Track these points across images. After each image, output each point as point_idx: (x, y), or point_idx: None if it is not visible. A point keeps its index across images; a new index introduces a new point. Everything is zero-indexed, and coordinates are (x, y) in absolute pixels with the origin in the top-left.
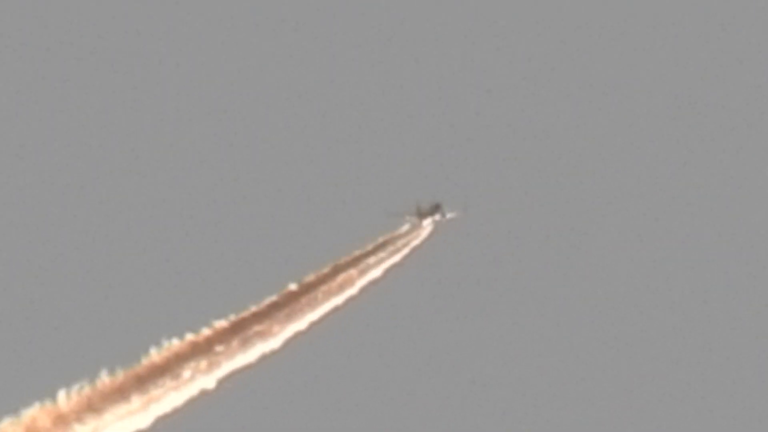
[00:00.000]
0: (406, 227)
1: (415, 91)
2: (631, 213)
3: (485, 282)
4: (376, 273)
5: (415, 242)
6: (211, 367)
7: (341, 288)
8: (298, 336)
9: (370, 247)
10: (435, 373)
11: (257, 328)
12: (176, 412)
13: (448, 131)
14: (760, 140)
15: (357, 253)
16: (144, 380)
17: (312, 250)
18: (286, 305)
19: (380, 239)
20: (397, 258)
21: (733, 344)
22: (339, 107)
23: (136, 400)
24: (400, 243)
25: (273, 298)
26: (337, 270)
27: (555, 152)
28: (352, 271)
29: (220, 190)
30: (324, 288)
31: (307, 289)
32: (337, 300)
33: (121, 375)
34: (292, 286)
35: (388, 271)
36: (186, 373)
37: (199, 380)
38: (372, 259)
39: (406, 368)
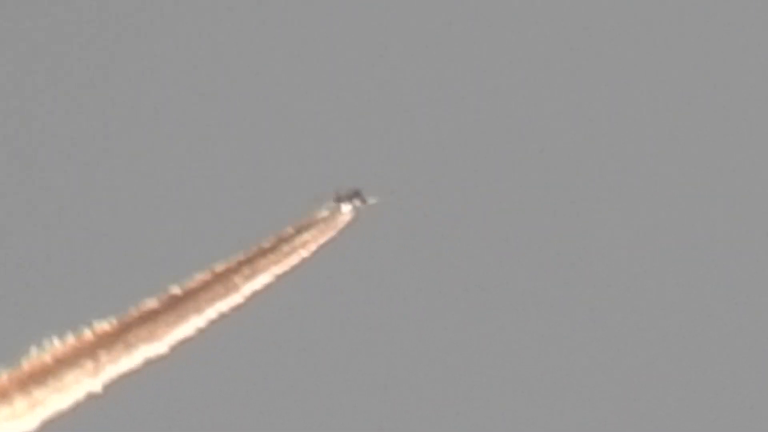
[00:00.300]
0: (324, 213)
1: (336, 75)
2: (559, 191)
3: (406, 270)
4: (292, 260)
5: (334, 228)
6: (98, 368)
7: (253, 276)
8: (186, 341)
9: (286, 233)
10: (347, 365)
11: (144, 328)
12: (62, 415)
13: (366, 115)
14: (759, 140)
15: (272, 240)
16: (27, 383)
17: (226, 236)
18: (186, 300)
19: (297, 225)
20: (314, 245)
21: (729, 343)
22: (247, 87)
23: (19, 403)
24: (318, 229)
25: (169, 294)
26: (247, 260)
27: (478, 136)
28: (265, 260)
29: (121, 175)
30: (234, 277)
31: (216, 279)
32: (252, 286)
33: (2, 377)
34: (194, 280)
35: (305, 258)
36: (71, 376)
37: (85, 383)
38: (288, 246)
39: (317, 363)
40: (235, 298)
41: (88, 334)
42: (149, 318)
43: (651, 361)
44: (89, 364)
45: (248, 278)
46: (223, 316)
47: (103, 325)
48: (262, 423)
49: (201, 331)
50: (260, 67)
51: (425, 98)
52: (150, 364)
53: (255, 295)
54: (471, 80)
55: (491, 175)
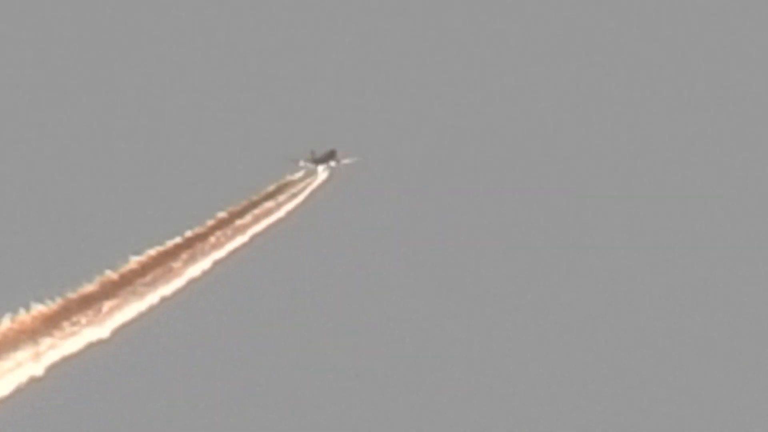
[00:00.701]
0: (301, 173)
1: (311, 39)
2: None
3: (381, 229)
4: (269, 219)
5: (310, 188)
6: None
7: (233, 235)
8: (193, 285)
9: (263, 193)
10: (328, 325)
11: (141, 280)
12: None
13: (341, 77)
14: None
15: (249, 199)
16: None
17: (205, 196)
18: (176, 256)
19: (275, 185)
20: (292, 204)
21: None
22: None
23: None
24: (294, 189)
25: (160, 248)
26: (230, 217)
27: (451, 98)
28: (244, 219)
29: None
30: (217, 234)
31: (198, 238)
32: (231, 245)
33: None
34: (178, 239)
35: (282, 218)
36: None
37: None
38: (266, 206)
39: (299, 317)
40: (213, 257)
41: (28, 318)
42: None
43: (646, 361)
44: (30, 348)
45: (225, 239)
46: (203, 275)
47: (55, 304)
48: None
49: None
50: (234, 33)
51: (400, 60)
52: (158, 307)
53: (232, 254)
54: (444, 44)
55: (464, 136)
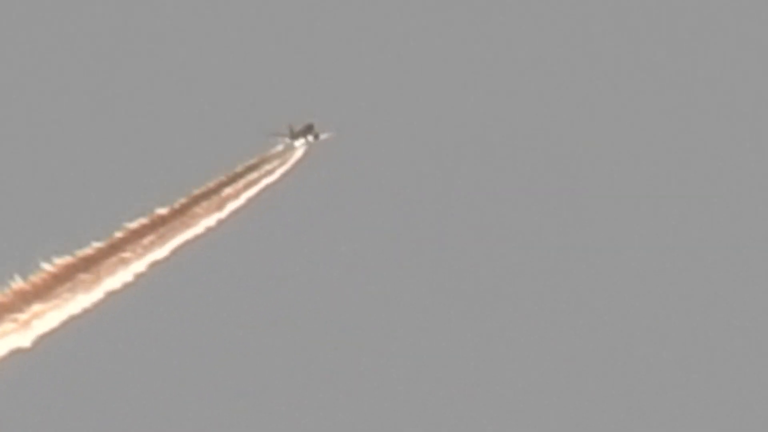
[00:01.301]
0: (278, 148)
1: (291, 14)
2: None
3: (358, 205)
4: (246, 195)
5: (288, 163)
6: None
7: (210, 210)
8: (162, 261)
9: (239, 168)
10: (306, 298)
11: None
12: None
13: (319, 51)
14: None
15: (225, 175)
16: None
17: (181, 172)
18: (152, 230)
19: (251, 160)
20: (269, 180)
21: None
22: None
23: None
24: (271, 164)
25: (136, 223)
26: (204, 194)
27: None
28: (221, 195)
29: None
30: (194, 210)
31: (175, 212)
32: (208, 221)
33: None
34: (160, 210)
35: (259, 194)
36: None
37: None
38: (242, 182)
39: (275, 294)
40: (190, 232)
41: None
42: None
43: (640, 361)
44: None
45: (203, 214)
46: (179, 249)
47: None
48: (242, 341)
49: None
50: (216, 6)
51: (379, 36)
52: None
53: (210, 231)
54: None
55: (444, 112)
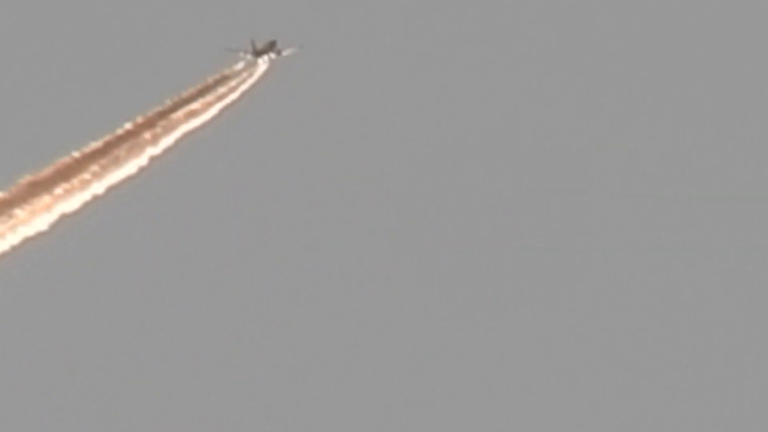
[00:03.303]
0: (240, 65)
1: None
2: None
3: (320, 122)
4: (209, 113)
5: (251, 80)
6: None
7: (172, 128)
8: (131, 179)
9: (202, 85)
10: (269, 214)
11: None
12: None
13: None
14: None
15: (188, 92)
16: None
17: (142, 89)
18: (116, 147)
19: (213, 77)
20: (232, 97)
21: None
22: None
23: None
24: (234, 81)
25: (100, 142)
26: (167, 110)
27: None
28: (183, 111)
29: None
30: (158, 126)
31: (141, 127)
32: (169, 140)
33: None
34: (126, 126)
35: (222, 111)
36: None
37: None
38: (205, 98)
39: (240, 208)
40: (150, 152)
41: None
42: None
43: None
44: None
45: (164, 132)
46: (138, 172)
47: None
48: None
49: (111, 190)
50: None
51: None
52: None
53: (172, 149)
54: None
55: (409, 31)
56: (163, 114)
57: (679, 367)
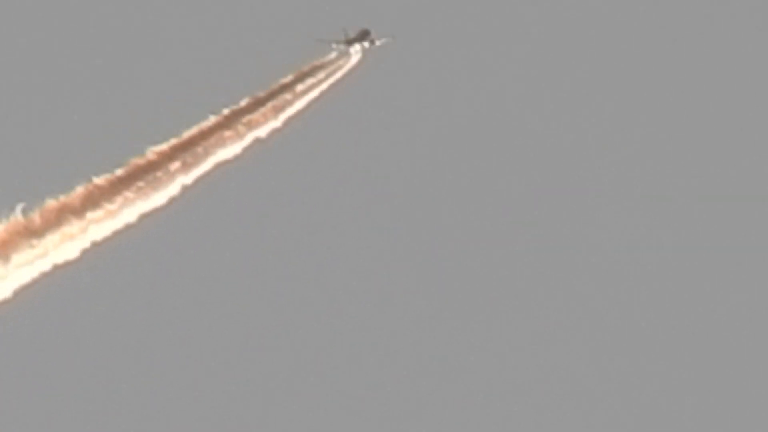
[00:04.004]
0: (333, 55)
1: None
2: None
3: (413, 111)
4: (302, 102)
5: (343, 70)
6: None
7: (265, 118)
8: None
9: (295, 75)
10: (358, 199)
11: (180, 159)
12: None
13: None
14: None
15: (282, 81)
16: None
17: (236, 79)
18: (209, 137)
19: (307, 67)
20: (324, 86)
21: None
22: None
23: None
24: (327, 71)
25: (196, 129)
26: (262, 99)
27: None
28: (277, 101)
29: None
30: (249, 117)
31: (230, 119)
32: (261, 131)
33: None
34: (214, 118)
35: (314, 100)
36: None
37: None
38: (298, 88)
39: (329, 198)
40: (245, 141)
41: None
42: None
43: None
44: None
45: (257, 122)
46: (234, 158)
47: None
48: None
49: (202, 179)
50: None
51: None
52: (178, 198)
53: (269, 137)
54: None
55: (500, 21)
56: (259, 104)
57: (680, 367)
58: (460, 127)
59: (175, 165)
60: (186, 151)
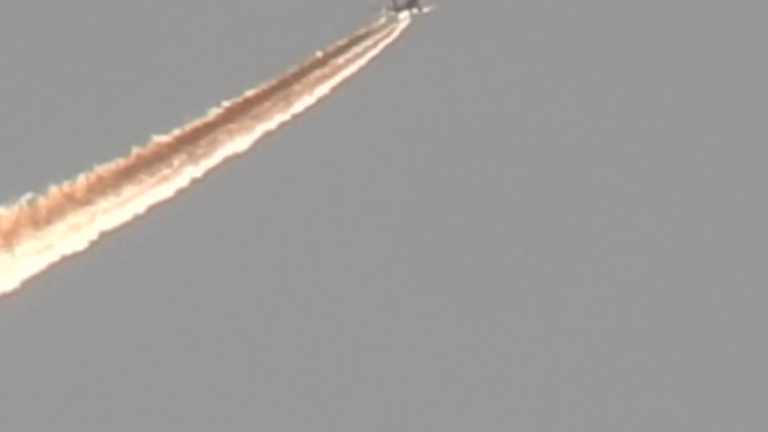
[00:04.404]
0: (382, 20)
1: None
2: None
3: (462, 79)
4: (351, 69)
5: (392, 36)
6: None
7: (315, 85)
8: (268, 136)
9: (344, 41)
10: (409, 173)
11: (227, 126)
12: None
13: None
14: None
15: (330, 48)
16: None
17: (284, 46)
18: (258, 104)
19: (355, 33)
20: (373, 52)
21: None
22: None
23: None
24: (375, 37)
25: (243, 97)
26: (310, 66)
27: None
28: (326, 67)
29: None
30: (298, 84)
31: (280, 86)
32: (311, 98)
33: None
34: (264, 85)
35: (363, 67)
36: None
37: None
38: (347, 54)
39: (380, 169)
40: (296, 107)
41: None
42: (234, 113)
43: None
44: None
45: (308, 88)
46: (283, 126)
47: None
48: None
49: (253, 146)
50: None
51: None
52: (230, 160)
53: (318, 105)
54: None
55: None
56: (309, 70)
57: (680, 367)
58: (509, 98)
59: (223, 133)
60: (235, 121)
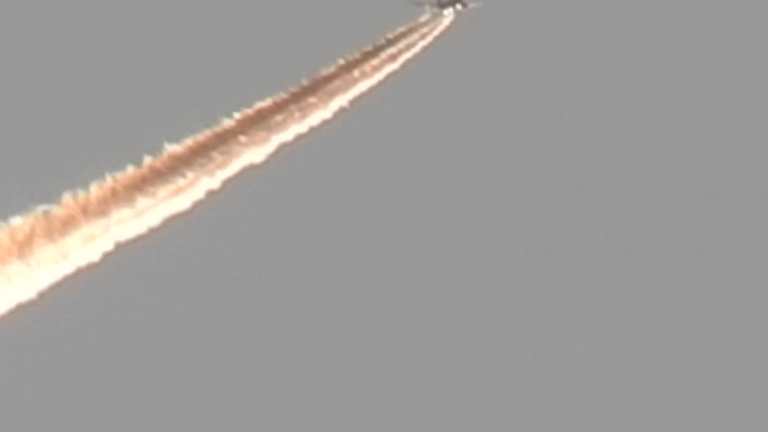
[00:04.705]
0: (425, 17)
1: None
2: None
3: (507, 76)
4: (394, 65)
5: (435, 32)
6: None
7: (357, 81)
8: (323, 125)
9: (387, 37)
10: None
11: (276, 118)
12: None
13: None
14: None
15: (373, 44)
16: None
17: (325, 41)
18: (297, 101)
19: (399, 29)
20: (416, 49)
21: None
22: None
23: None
24: (419, 33)
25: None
26: (352, 63)
27: None
28: (369, 64)
29: None
30: (339, 80)
31: (323, 81)
32: (353, 93)
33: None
34: (305, 81)
35: (406, 63)
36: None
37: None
38: (390, 51)
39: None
40: (341, 100)
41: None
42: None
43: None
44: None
45: (351, 83)
46: (334, 115)
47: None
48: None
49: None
50: None
51: None
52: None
53: (360, 98)
54: None
55: None
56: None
57: (680, 367)
58: (556, 97)
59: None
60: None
